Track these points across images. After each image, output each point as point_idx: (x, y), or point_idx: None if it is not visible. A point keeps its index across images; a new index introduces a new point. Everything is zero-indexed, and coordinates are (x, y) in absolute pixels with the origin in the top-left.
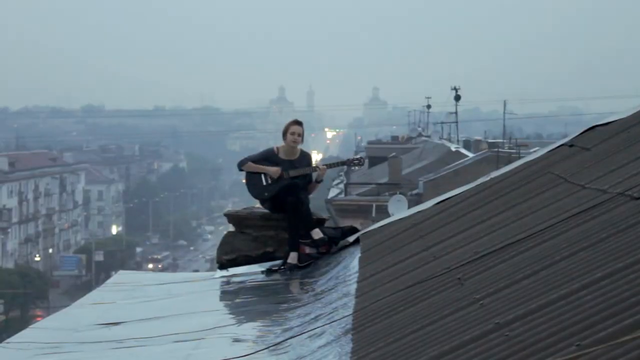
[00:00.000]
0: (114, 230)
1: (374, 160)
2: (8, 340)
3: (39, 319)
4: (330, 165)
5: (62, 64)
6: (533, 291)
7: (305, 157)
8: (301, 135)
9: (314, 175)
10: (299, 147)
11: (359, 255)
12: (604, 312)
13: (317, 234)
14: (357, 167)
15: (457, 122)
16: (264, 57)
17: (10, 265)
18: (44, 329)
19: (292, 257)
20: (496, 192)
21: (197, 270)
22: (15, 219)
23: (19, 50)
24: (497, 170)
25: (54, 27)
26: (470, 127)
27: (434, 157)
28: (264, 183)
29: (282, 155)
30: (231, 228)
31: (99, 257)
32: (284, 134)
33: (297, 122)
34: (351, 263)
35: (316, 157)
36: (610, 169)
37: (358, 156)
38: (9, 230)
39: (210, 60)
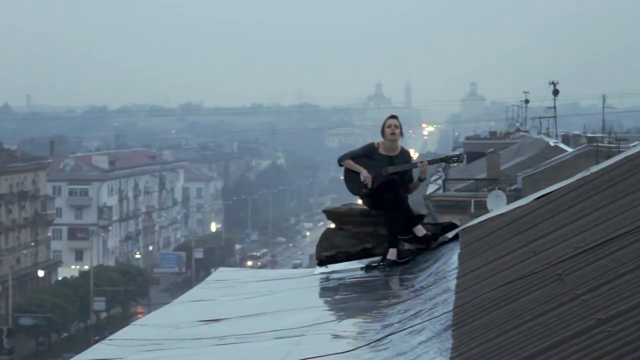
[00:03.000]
0: (213, 227)
1: (472, 156)
2: (111, 337)
3: (140, 315)
4: (430, 162)
5: (162, 62)
6: (635, 286)
7: (405, 154)
8: (398, 127)
9: (416, 172)
10: (399, 144)
11: (459, 251)
12: None
13: (420, 231)
14: (455, 164)
15: (555, 116)
16: (360, 53)
17: (111, 262)
18: (145, 326)
19: (392, 254)
20: (596, 187)
21: (296, 267)
22: (115, 217)
23: (119, 49)
24: (597, 164)
25: (154, 27)
26: (569, 121)
27: (532, 152)
28: (362, 179)
29: (382, 151)
30: (330, 225)
31: (198, 254)
32: (383, 130)
33: (392, 116)
34: (451, 259)
35: (413, 155)
36: None
37: (457, 153)
38: (110, 228)
39: (308, 57)
